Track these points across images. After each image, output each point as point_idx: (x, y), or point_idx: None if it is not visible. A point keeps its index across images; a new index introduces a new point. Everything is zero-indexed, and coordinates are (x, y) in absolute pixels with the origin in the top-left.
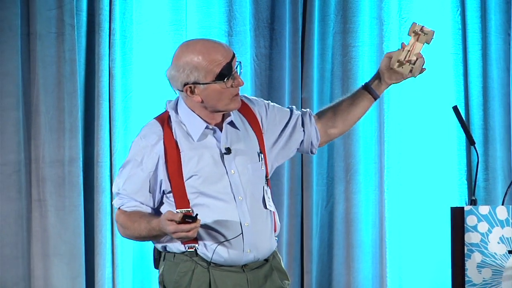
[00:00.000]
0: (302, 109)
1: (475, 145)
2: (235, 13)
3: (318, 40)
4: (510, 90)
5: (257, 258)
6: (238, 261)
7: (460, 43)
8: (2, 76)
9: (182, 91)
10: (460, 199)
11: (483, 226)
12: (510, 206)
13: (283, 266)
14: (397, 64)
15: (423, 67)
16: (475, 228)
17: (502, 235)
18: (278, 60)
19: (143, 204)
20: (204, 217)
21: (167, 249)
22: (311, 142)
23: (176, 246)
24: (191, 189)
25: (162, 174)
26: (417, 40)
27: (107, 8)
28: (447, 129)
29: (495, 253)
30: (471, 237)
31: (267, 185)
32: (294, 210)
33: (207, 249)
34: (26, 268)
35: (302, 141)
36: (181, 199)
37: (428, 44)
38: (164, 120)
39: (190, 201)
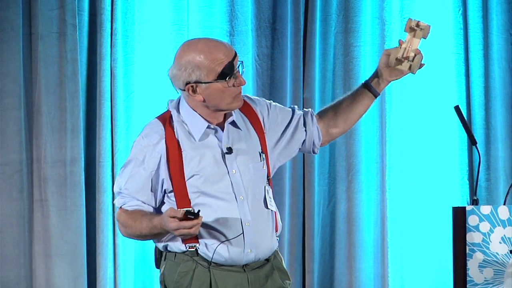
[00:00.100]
0: (304, 109)
1: (477, 145)
2: (237, 13)
3: (320, 40)
4: None
5: (258, 258)
6: (239, 261)
7: (462, 43)
8: (4, 76)
9: (184, 90)
10: (461, 199)
11: (484, 226)
12: None
13: (284, 266)
14: (395, 62)
15: (422, 62)
16: (476, 228)
17: (504, 235)
18: (280, 60)
19: (144, 203)
20: (205, 217)
21: (168, 248)
22: (313, 142)
23: (177, 246)
24: (192, 189)
25: (163, 174)
26: (414, 36)
27: (109, 8)
28: (449, 129)
29: (496, 253)
30: (473, 237)
31: (269, 184)
32: (295, 210)
33: (208, 248)
34: (28, 268)
35: (304, 141)
36: (183, 199)
37: (425, 39)
38: (166, 119)
39: (191, 200)
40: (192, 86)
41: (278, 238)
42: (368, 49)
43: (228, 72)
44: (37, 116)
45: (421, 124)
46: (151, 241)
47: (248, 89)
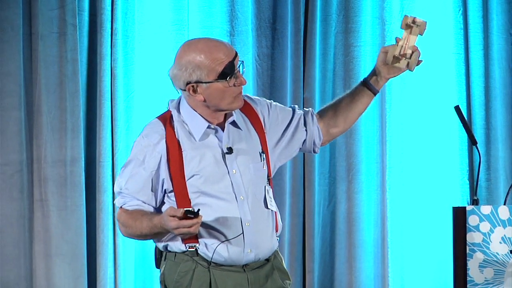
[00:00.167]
0: (304, 109)
1: (477, 145)
2: (237, 13)
3: (320, 40)
4: None
5: (258, 258)
6: (238, 261)
7: (462, 43)
8: (4, 76)
9: (184, 90)
10: (462, 199)
11: (485, 226)
12: None
13: (284, 266)
14: (393, 59)
15: (420, 59)
16: (477, 228)
17: (504, 235)
18: (280, 60)
19: (145, 203)
20: (205, 217)
21: (168, 248)
22: (314, 142)
23: (177, 246)
24: (192, 189)
25: (164, 173)
26: (411, 32)
27: (109, 8)
28: (449, 129)
29: (497, 253)
30: (473, 237)
31: (269, 184)
32: (296, 210)
33: (208, 248)
34: (28, 268)
35: (305, 140)
36: (183, 199)
37: (422, 35)
38: (166, 119)
39: (191, 200)
40: (192, 86)
41: (278, 238)
42: (368, 49)
43: (228, 72)
44: (37, 116)
45: (421, 124)
46: (151, 241)
47: (249, 89)
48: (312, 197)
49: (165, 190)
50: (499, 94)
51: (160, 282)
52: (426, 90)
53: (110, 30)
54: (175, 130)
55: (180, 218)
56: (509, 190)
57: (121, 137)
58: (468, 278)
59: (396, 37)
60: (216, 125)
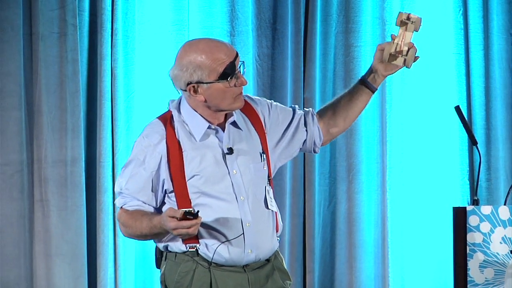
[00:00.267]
0: (305, 109)
1: (477, 145)
2: (237, 13)
3: (320, 40)
4: None
5: (259, 258)
6: (239, 261)
7: (462, 43)
8: (4, 76)
9: (185, 90)
10: (462, 199)
11: (485, 226)
12: None
13: (285, 266)
14: (389, 57)
15: (416, 55)
16: (477, 228)
17: (505, 235)
18: (280, 60)
19: (145, 203)
20: (206, 217)
21: (169, 248)
22: (314, 142)
23: (178, 246)
24: (193, 189)
25: (164, 174)
26: (406, 29)
27: (109, 8)
28: (449, 129)
29: (497, 253)
30: (473, 237)
31: (270, 185)
32: (296, 210)
33: (208, 249)
34: (28, 268)
35: (305, 140)
36: (183, 199)
37: (417, 31)
38: (167, 119)
39: (192, 201)
40: (193, 87)
41: (278, 238)
42: (368, 49)
43: (229, 72)
44: (37, 116)
45: (421, 124)
46: (152, 241)
47: (249, 89)
48: (312, 197)
49: (165, 190)
50: (499, 94)
51: (161, 282)
52: (427, 90)
53: (110, 30)
54: (176, 131)
55: (180, 219)
56: (509, 190)
57: (122, 137)
58: (469, 278)
59: (392, 34)
60: (217, 125)
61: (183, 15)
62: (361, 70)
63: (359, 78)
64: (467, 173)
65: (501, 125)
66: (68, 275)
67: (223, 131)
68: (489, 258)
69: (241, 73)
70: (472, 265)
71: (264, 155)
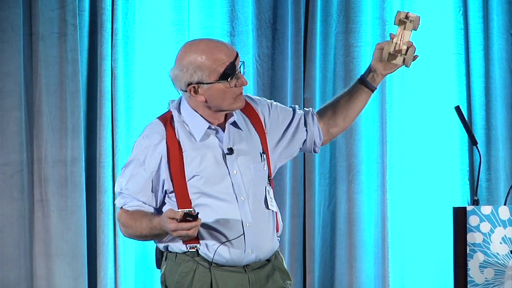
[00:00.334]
0: (305, 108)
1: (477, 145)
2: (237, 13)
3: (321, 40)
4: None
5: (259, 258)
6: (239, 261)
7: (462, 43)
8: (4, 76)
9: (185, 91)
10: (462, 199)
11: (485, 226)
12: None
13: (285, 266)
14: (388, 56)
15: (415, 54)
16: (477, 228)
17: (505, 235)
18: (281, 60)
19: (145, 203)
20: (206, 218)
21: (169, 249)
22: (314, 142)
23: (178, 246)
24: (193, 189)
25: (164, 174)
26: (405, 28)
27: (110, 8)
28: (449, 129)
29: (497, 253)
30: (473, 237)
31: (270, 185)
32: (296, 210)
33: (209, 249)
34: (29, 268)
35: (305, 140)
36: (183, 199)
37: (416, 30)
38: (167, 120)
39: (192, 201)
40: (194, 87)
41: (279, 238)
42: (368, 49)
43: (230, 72)
44: (37, 116)
45: (421, 124)
46: (152, 241)
47: (249, 90)
48: (312, 198)
49: (165, 190)
50: (499, 94)
51: (161, 282)
52: (427, 91)
53: (110, 31)
54: (176, 131)
55: (179, 221)
56: (509, 190)
57: (121, 137)
58: (469, 279)
59: (390, 33)
60: (217, 125)
61: (183, 15)
62: (361, 70)
63: (358, 77)
64: (467, 173)
65: (501, 125)
66: (68, 275)
67: (223, 131)
68: (489, 258)
69: (241, 73)
70: (472, 265)
71: (264, 155)
